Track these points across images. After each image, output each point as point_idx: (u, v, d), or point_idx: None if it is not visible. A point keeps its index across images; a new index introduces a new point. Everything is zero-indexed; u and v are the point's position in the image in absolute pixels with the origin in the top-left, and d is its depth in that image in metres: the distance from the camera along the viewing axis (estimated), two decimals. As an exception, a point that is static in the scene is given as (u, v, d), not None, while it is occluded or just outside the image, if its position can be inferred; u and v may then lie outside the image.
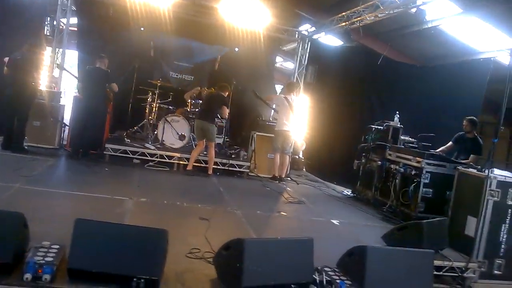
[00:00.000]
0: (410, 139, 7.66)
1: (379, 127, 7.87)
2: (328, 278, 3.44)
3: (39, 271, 2.77)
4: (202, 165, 8.24)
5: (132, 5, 8.97)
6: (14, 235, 2.89)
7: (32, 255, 2.92)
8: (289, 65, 12.86)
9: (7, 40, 7.94)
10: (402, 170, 6.66)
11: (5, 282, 2.73)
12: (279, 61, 13.85)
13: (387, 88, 9.36)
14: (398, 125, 7.83)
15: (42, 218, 4.10)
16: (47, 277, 2.76)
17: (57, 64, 9.52)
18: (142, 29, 9.56)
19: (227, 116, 8.53)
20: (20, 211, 3.06)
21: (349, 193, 8.48)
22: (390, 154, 7.21)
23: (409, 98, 9.13)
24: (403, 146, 7.34)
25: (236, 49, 10.33)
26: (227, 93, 8.28)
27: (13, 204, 4.59)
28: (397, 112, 7.94)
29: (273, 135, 8.66)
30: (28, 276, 2.74)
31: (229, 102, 8.62)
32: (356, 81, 9.64)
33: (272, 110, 9.85)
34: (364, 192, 7.86)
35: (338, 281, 3.41)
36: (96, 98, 7.68)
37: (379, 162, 7.39)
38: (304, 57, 10.93)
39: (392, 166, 7.04)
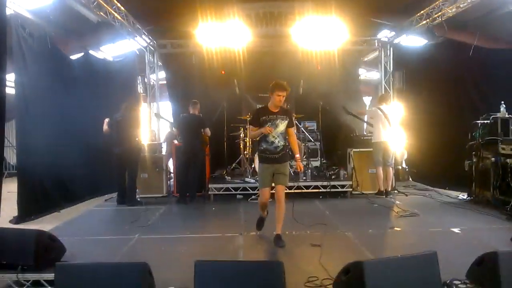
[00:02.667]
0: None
1: (485, 121, 7.28)
2: (461, 292, 3.18)
3: (169, 315, 2.89)
4: (302, 190, 8.21)
5: (212, 50, 9.43)
6: (141, 284, 3.05)
7: (161, 300, 3.07)
8: (374, 75, 12.52)
9: (107, 102, 8.69)
10: (521, 163, 6.06)
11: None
12: (363, 73, 13.56)
13: (486, 79, 8.64)
14: (506, 116, 7.16)
15: (163, 264, 4.31)
16: (177, 320, 2.87)
17: (155, 113, 10.20)
18: (223, 72, 9.95)
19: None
20: (143, 260, 3.23)
21: (465, 197, 7.87)
22: (503, 148, 6.60)
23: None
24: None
25: (318, 67, 10.28)
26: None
27: (135, 254, 4.94)
28: (502, 102, 7.28)
29: (371, 149, 8.40)
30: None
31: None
32: (449, 78, 9.06)
33: (365, 124, 9.59)
34: (482, 193, 7.24)
35: (472, 294, 3.13)
36: (194, 143, 8.06)
37: (493, 159, 6.81)
38: (388, 63, 10.60)
39: (508, 160, 6.44)
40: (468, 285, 3.32)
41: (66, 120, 7.99)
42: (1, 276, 4.00)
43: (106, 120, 7.73)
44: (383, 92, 10.39)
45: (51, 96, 7.67)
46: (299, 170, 5.59)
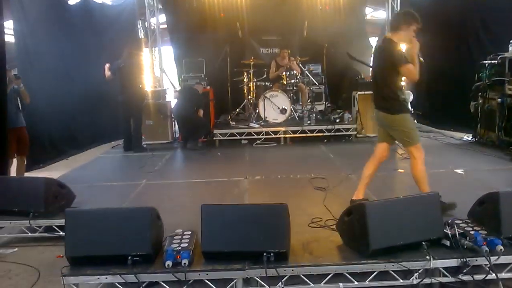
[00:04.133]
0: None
1: (493, 62, 7.12)
2: (461, 231, 3.24)
3: (178, 257, 2.98)
4: (307, 135, 8.23)
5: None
6: (150, 228, 3.13)
7: (169, 243, 3.16)
8: (381, 14, 12.11)
9: (107, 49, 8.55)
10: (528, 103, 6.00)
11: (150, 271, 2.99)
12: (369, 12, 13.13)
13: (494, 18, 8.35)
14: (515, 55, 7.00)
15: (171, 209, 4.42)
16: (185, 261, 2.96)
17: (161, 68, 10.08)
18: (222, 15, 9.67)
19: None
20: (151, 205, 3.31)
21: (469, 138, 7.87)
22: (510, 89, 6.51)
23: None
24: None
25: (327, 7, 9.95)
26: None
27: (143, 199, 5.06)
28: (511, 41, 7.08)
29: None
30: (169, 263, 2.96)
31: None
32: (457, 19, 8.76)
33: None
34: (487, 135, 7.24)
35: (472, 232, 3.19)
36: (186, 113, 8.08)
37: (499, 100, 6.73)
38: (395, 2, 10.24)
39: (515, 101, 6.37)
40: (469, 224, 3.38)
41: (68, 68, 7.93)
42: (14, 223, 4.14)
43: (107, 65, 7.60)
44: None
45: (51, 43, 7.56)
46: None
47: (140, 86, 7.88)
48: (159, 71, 10.17)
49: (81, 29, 8.34)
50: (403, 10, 4.52)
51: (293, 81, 9.00)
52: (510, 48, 7.03)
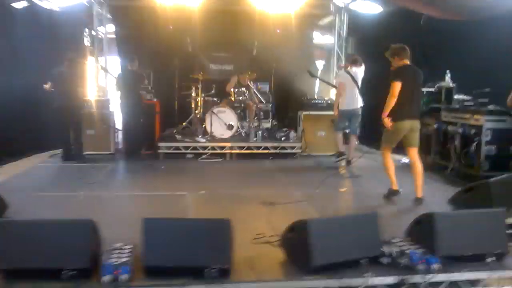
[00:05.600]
0: (465, 97, 7.27)
1: (430, 90, 7.56)
2: (398, 249, 3.37)
3: (116, 272, 2.88)
4: (253, 151, 8.30)
5: (165, 7, 9.06)
6: (87, 241, 3.02)
7: (107, 257, 3.04)
8: (329, 39, 12.54)
9: (51, 55, 8.20)
10: (460, 130, 6.40)
11: (86, 286, 2.87)
12: (317, 37, 13.56)
13: (434, 49, 8.88)
14: (451, 85, 7.47)
15: (111, 222, 4.25)
16: (124, 277, 2.86)
17: (101, 66, 9.80)
18: (170, 27, 9.62)
19: None
20: (89, 217, 3.19)
21: (406, 161, 8.23)
22: (445, 116, 6.93)
23: (459, 56, 8.62)
24: (458, 106, 7.02)
25: (278, 30, 10.18)
26: None
27: (81, 211, 4.85)
28: (448, 71, 7.57)
29: (323, 112, 8.59)
30: (106, 278, 2.85)
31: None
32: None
33: (332, 88, 9.66)
34: (424, 158, 7.59)
35: (408, 251, 3.33)
36: (131, 100, 7.94)
37: (435, 125, 7.13)
38: (342, 29, 10.65)
39: (449, 128, 6.78)
40: (406, 242, 3.52)
41: (6, 72, 7.53)
42: None
43: (46, 85, 7.35)
44: (335, 57, 10.51)
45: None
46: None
47: (80, 94, 7.62)
48: (105, 80, 9.89)
49: (25, 33, 7.96)
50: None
51: (241, 98, 9.09)
52: (446, 78, 7.51)
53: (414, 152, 5.41)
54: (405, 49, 5.37)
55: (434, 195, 5.79)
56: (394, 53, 5.39)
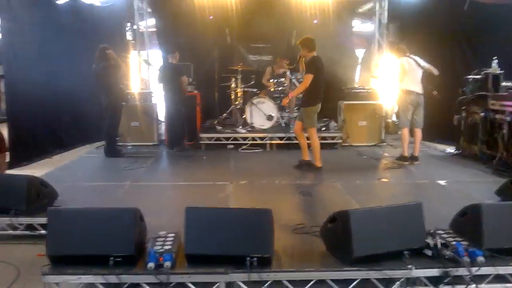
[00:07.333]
0: (513, 84, 6.97)
1: (476, 77, 7.27)
2: (443, 241, 3.28)
3: (160, 259, 2.95)
4: (292, 141, 8.27)
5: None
6: (133, 228, 3.11)
7: (152, 245, 3.14)
8: (368, 26, 12.26)
9: (94, 50, 8.41)
10: (508, 119, 6.12)
11: (132, 272, 2.97)
12: (356, 24, 13.29)
13: (479, 34, 8.53)
14: (498, 71, 7.14)
15: (155, 210, 4.38)
16: (168, 264, 2.94)
17: (144, 59, 9.99)
18: (211, 17, 9.67)
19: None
20: (135, 206, 3.29)
21: (452, 151, 7.99)
22: (493, 104, 6.65)
23: (506, 42, 8.24)
24: (506, 93, 6.71)
25: (315, 21, 10.06)
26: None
27: (127, 200, 5.02)
28: (495, 58, 7.24)
29: (364, 101, 8.54)
30: (151, 265, 2.93)
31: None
32: (443, 33, 8.92)
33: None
34: (469, 148, 7.36)
35: (453, 242, 3.24)
36: (172, 92, 8.03)
37: (482, 114, 6.86)
38: (383, 15, 10.38)
39: (497, 116, 6.51)
40: (451, 235, 3.43)
41: (54, 67, 7.83)
42: (-5, 219, 4.07)
43: None
44: (376, 45, 10.30)
45: (37, 42, 7.47)
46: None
47: (121, 87, 7.76)
48: (147, 73, 10.09)
49: (68, 29, 8.24)
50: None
51: (280, 88, 9.07)
52: (493, 64, 7.19)
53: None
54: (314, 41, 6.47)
55: (480, 186, 5.60)
56: (305, 44, 6.39)
